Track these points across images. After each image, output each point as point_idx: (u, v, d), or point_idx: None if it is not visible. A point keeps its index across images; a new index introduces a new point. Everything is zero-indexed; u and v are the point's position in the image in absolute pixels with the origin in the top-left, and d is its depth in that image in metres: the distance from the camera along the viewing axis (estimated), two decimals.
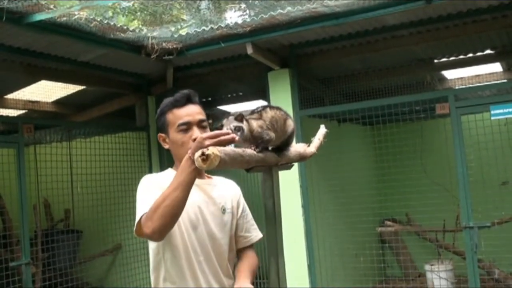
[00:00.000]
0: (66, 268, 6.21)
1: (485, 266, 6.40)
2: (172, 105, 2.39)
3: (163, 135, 2.43)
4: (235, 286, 2.28)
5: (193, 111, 2.37)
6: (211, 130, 2.34)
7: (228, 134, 1.93)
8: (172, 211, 2.00)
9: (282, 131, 2.21)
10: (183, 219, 2.27)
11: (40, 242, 6.05)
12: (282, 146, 2.25)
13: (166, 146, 2.44)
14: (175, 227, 2.23)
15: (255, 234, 2.55)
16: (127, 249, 6.51)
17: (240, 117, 2.09)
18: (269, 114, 2.17)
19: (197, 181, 2.36)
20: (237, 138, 1.98)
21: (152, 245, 2.35)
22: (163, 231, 2.04)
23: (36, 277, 5.72)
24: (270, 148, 2.20)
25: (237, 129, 2.05)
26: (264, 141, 2.12)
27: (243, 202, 2.57)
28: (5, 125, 6.51)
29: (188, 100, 2.39)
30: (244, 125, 2.09)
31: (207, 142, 1.89)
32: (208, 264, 2.32)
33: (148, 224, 2.03)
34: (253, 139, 2.11)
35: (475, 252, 5.03)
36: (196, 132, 2.33)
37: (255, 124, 2.12)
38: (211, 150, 1.77)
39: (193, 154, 1.88)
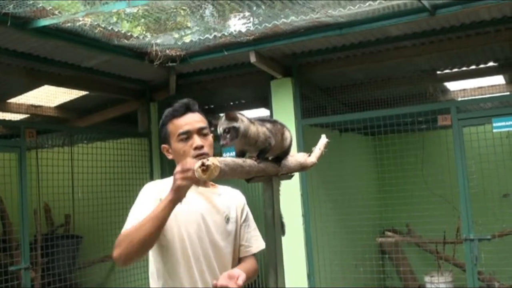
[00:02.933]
0: (65, 273, 6.20)
1: (485, 279, 6.37)
2: (171, 116, 2.39)
3: (166, 146, 2.43)
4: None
5: (192, 120, 2.37)
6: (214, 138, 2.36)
7: (188, 170, 1.95)
8: (140, 242, 2.03)
9: (280, 144, 2.20)
10: (186, 226, 2.28)
11: (40, 246, 6.04)
12: (281, 156, 2.25)
13: (170, 157, 2.43)
14: (176, 235, 2.24)
15: (256, 245, 2.52)
16: None
17: (232, 115, 2.01)
18: (268, 126, 2.16)
19: (202, 189, 2.39)
20: (224, 142, 1.96)
21: (152, 252, 2.35)
22: (128, 259, 2.08)
23: (35, 282, 5.71)
24: (270, 158, 2.20)
25: (227, 131, 1.99)
26: (265, 150, 2.11)
27: (246, 211, 2.55)
28: (7, 129, 6.53)
29: (187, 109, 2.39)
30: (240, 122, 2.01)
31: (178, 176, 1.98)
32: (210, 273, 2.31)
33: (117, 249, 2.07)
34: (255, 144, 2.08)
35: (475, 264, 5.02)
36: (196, 140, 2.33)
37: (261, 128, 2.11)
38: (211, 161, 1.76)
39: (171, 189, 2.00)
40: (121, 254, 2.05)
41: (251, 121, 2.09)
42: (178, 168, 2.00)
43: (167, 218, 2.05)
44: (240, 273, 2.19)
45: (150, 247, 2.10)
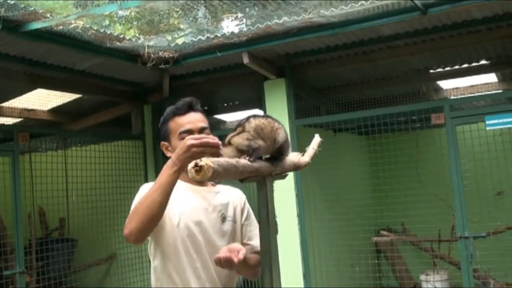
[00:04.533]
0: (61, 277, 6.17)
1: (480, 276, 6.37)
2: (173, 113, 2.38)
3: (165, 143, 2.42)
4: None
5: (194, 119, 2.37)
6: None
7: (214, 140, 1.95)
8: (149, 212, 2.00)
9: (270, 138, 2.14)
10: (180, 225, 2.27)
11: (35, 250, 6.01)
12: (276, 156, 2.22)
13: (169, 154, 2.40)
14: (170, 233, 2.25)
15: (258, 243, 2.51)
16: (122, 258, 6.48)
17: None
18: (252, 123, 2.12)
19: (198, 188, 2.38)
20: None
21: (150, 251, 2.36)
22: (140, 234, 2.04)
23: (30, 286, 5.69)
24: (264, 157, 2.19)
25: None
26: (255, 150, 2.10)
27: (247, 210, 2.53)
28: (0, 133, 6.49)
29: (189, 108, 2.38)
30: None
31: (194, 149, 1.93)
32: (204, 271, 2.30)
33: (127, 226, 2.03)
34: (242, 154, 2.08)
35: (470, 262, 5.03)
36: None
37: (238, 139, 2.09)
38: (205, 161, 1.75)
39: (178, 158, 1.96)
40: (131, 229, 2.02)
41: (224, 144, 2.09)
42: (190, 141, 1.95)
43: (173, 187, 2.02)
44: (240, 248, 2.18)
45: (159, 216, 2.06)
